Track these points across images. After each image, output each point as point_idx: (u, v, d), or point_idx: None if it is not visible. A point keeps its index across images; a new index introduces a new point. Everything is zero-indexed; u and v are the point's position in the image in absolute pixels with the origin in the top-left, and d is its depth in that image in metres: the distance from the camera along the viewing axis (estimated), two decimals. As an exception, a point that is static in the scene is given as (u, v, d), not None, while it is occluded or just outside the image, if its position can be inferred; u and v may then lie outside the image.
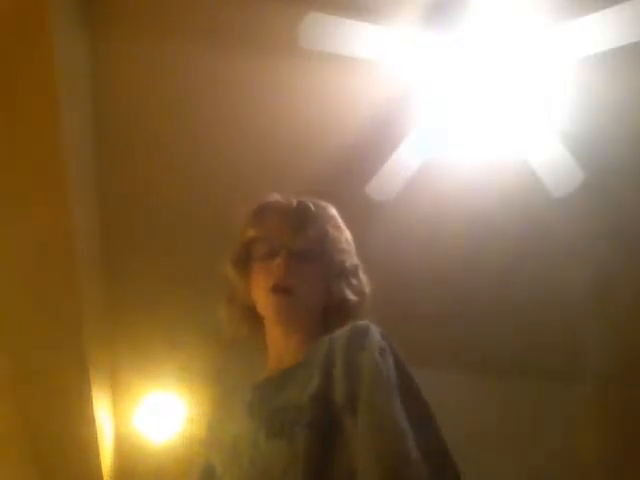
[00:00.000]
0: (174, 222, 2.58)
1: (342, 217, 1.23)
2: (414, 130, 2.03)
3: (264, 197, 1.23)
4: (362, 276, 1.21)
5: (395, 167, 2.07)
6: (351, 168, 2.33)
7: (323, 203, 1.23)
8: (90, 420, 2.57)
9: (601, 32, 1.70)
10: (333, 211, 1.23)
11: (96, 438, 2.63)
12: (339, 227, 1.22)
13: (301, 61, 2.07)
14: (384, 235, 2.45)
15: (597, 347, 2.95)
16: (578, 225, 2.57)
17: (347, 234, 1.23)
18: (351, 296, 1.17)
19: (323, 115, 2.26)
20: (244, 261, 1.19)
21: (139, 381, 3.00)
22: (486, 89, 1.91)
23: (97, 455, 2.69)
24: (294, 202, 1.21)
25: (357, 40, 1.77)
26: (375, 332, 1.02)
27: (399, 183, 2.11)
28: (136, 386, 3.02)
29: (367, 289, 1.20)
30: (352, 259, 1.21)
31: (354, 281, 1.19)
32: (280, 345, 1.16)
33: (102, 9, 1.98)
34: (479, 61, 1.87)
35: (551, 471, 3.00)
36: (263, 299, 1.15)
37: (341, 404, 0.95)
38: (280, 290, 1.12)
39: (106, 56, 2.09)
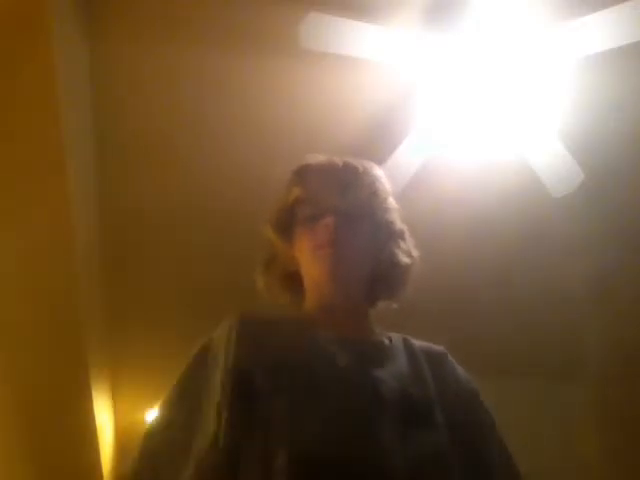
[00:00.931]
0: (175, 222, 2.57)
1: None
2: (414, 130, 2.03)
3: (305, 157, 1.17)
4: (409, 239, 1.17)
5: (395, 167, 2.07)
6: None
7: (369, 163, 1.18)
8: (92, 433, 2.57)
9: (601, 32, 1.70)
10: (380, 171, 1.18)
11: (97, 448, 2.63)
12: (386, 188, 1.17)
13: (301, 61, 2.07)
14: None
15: (597, 347, 2.95)
16: (578, 225, 2.57)
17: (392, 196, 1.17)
18: (403, 259, 1.12)
19: (323, 115, 2.26)
20: (287, 223, 1.12)
21: (141, 393, 2.98)
22: (486, 89, 1.91)
23: (98, 461, 2.69)
24: (339, 162, 1.15)
25: (357, 40, 1.77)
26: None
27: (399, 183, 2.11)
28: (138, 397, 3.00)
29: (415, 253, 1.16)
30: (399, 221, 1.17)
31: (403, 244, 1.14)
32: (328, 308, 1.08)
33: (102, 9, 1.98)
34: (479, 61, 1.87)
35: (551, 471, 3.00)
36: (309, 259, 1.07)
37: (461, 432, 0.99)
38: (329, 245, 1.05)
39: (106, 56, 2.09)
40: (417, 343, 1.10)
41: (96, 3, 1.97)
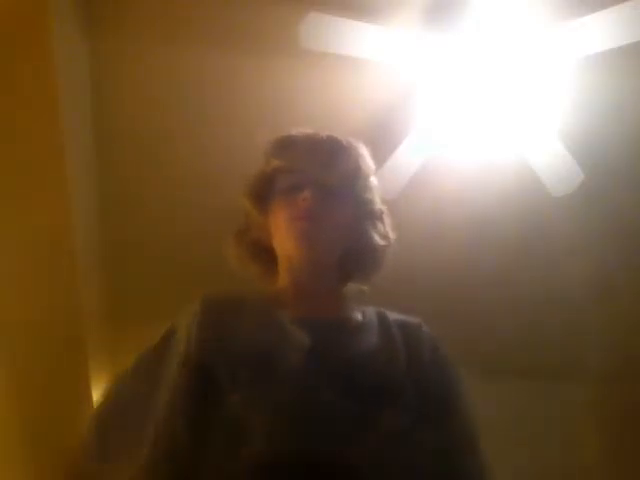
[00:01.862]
0: (175, 222, 2.58)
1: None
2: (414, 130, 2.03)
3: (288, 129, 1.14)
4: (387, 221, 1.13)
5: (395, 167, 2.07)
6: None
7: (353, 139, 1.14)
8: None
9: (601, 32, 1.70)
10: (364, 149, 1.14)
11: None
12: (369, 165, 1.13)
13: (301, 61, 2.07)
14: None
15: (597, 347, 2.95)
16: (578, 225, 2.57)
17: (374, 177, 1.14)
18: (379, 241, 1.09)
19: (323, 115, 2.26)
20: (264, 193, 1.09)
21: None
22: (486, 89, 1.91)
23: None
24: (323, 135, 1.12)
25: (357, 40, 1.77)
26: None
27: (399, 183, 2.11)
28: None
29: (392, 235, 1.12)
30: (379, 202, 1.13)
31: (380, 225, 1.11)
32: (298, 283, 1.05)
33: (102, 9, 1.98)
34: (479, 61, 1.87)
35: (551, 471, 3.00)
36: (283, 230, 1.04)
37: (428, 404, 0.96)
38: (304, 218, 1.01)
39: (106, 56, 2.09)
40: (392, 316, 1.07)
41: (96, 3, 1.97)
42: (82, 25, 1.97)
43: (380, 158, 2.15)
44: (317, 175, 1.05)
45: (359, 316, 1.05)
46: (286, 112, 2.25)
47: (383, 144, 2.13)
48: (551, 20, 1.89)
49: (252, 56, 2.08)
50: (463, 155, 2.33)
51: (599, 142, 2.31)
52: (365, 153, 1.13)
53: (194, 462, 0.88)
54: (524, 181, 2.21)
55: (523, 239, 2.65)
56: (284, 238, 1.04)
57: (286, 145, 1.12)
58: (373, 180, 1.13)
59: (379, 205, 1.13)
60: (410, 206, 2.40)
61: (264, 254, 1.09)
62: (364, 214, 1.09)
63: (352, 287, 1.12)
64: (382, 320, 1.05)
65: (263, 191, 1.09)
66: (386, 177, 2.10)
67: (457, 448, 0.97)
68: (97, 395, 2.61)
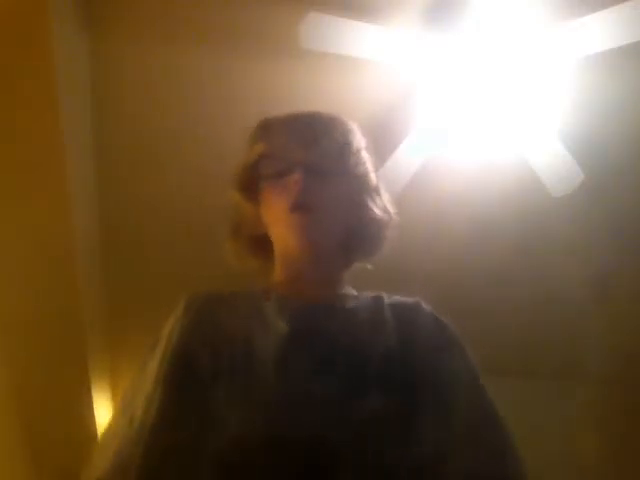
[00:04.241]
0: (175, 221, 2.57)
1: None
2: (414, 130, 2.03)
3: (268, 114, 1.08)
4: (385, 194, 1.08)
5: (395, 167, 2.07)
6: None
7: (339, 115, 1.09)
8: (92, 433, 2.57)
9: (601, 32, 1.70)
10: (352, 124, 1.09)
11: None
12: (359, 140, 1.08)
13: (301, 61, 2.07)
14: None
15: (597, 347, 2.95)
16: (578, 225, 2.57)
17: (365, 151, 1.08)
18: (380, 214, 1.04)
19: (323, 115, 2.26)
20: (252, 182, 1.03)
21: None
22: (486, 89, 1.91)
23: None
24: (307, 113, 1.07)
25: (357, 40, 1.77)
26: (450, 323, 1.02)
27: (399, 183, 2.11)
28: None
29: (392, 209, 1.07)
30: (374, 175, 1.07)
31: (378, 199, 1.06)
32: (296, 275, 1.00)
33: (102, 9, 1.98)
34: (479, 61, 1.87)
35: (551, 471, 2.99)
36: (279, 221, 0.98)
37: (423, 381, 0.91)
38: (300, 208, 0.95)
39: (106, 57, 2.09)
40: (388, 299, 1.02)
41: (96, 3, 1.97)
42: (82, 25, 1.97)
43: (380, 158, 2.16)
44: (304, 156, 0.99)
45: (351, 300, 1.01)
46: (286, 111, 2.25)
47: (383, 144, 2.14)
48: (551, 20, 1.89)
49: (252, 56, 2.08)
50: (463, 155, 2.33)
51: (599, 142, 2.31)
52: (353, 127, 1.08)
53: (175, 450, 0.85)
54: (524, 181, 2.21)
55: (523, 239, 2.65)
56: (282, 232, 0.99)
57: (267, 128, 1.07)
58: (365, 154, 1.08)
59: (374, 179, 1.08)
60: (410, 206, 2.39)
61: (261, 246, 1.05)
62: (360, 190, 1.04)
63: (356, 267, 1.08)
64: (376, 303, 1.01)
65: (250, 180, 1.03)
66: (386, 177, 2.10)
67: (462, 432, 0.89)
68: (97, 395, 2.61)
